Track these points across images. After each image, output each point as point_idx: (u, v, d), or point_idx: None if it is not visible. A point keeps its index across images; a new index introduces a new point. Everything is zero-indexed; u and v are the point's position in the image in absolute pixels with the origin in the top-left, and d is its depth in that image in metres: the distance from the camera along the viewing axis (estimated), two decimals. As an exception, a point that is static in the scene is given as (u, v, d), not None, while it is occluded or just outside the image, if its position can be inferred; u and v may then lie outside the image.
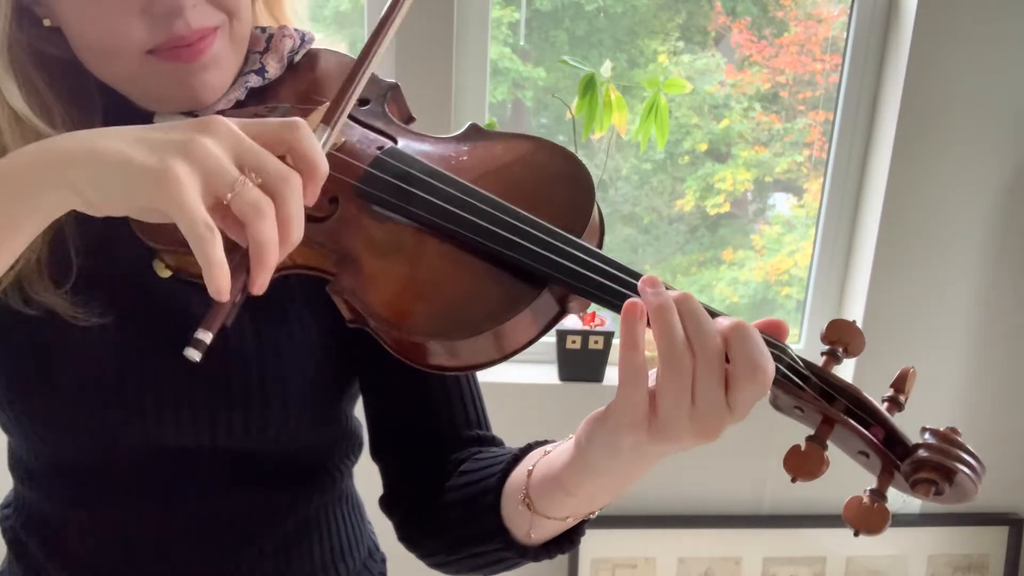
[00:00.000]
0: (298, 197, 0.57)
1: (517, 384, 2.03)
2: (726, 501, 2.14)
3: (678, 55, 2.28)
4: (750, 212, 2.47)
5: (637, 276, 0.61)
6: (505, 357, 0.64)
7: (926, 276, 2.06)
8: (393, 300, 0.65)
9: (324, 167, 0.59)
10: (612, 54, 2.20)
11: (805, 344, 2.22)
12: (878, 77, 2.02)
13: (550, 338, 1.99)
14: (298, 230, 0.57)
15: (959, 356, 2.13)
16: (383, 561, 1.00)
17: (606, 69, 1.88)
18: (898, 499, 0.61)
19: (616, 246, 2.39)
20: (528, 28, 2.18)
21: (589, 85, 1.84)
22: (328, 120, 0.65)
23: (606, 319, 2.01)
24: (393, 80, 0.85)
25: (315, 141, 0.59)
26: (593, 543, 2.12)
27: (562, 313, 0.66)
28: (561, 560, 2.14)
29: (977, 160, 1.99)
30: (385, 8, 0.71)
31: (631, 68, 2.26)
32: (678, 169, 2.35)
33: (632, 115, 1.96)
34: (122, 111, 0.76)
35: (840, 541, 2.18)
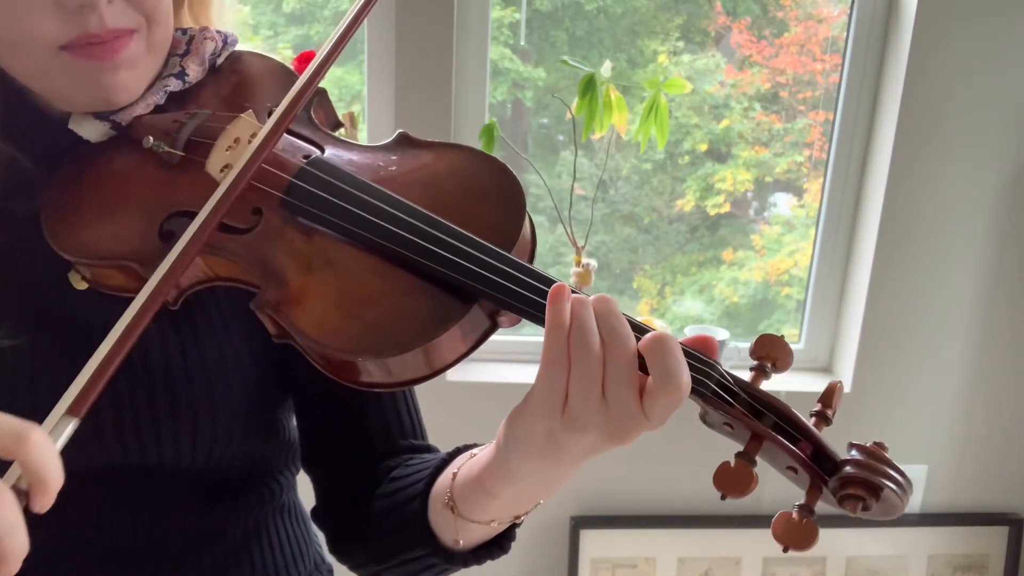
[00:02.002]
0: (11, 514, 0.50)
1: (516, 384, 2.03)
2: (726, 501, 2.13)
3: (678, 55, 2.28)
4: (750, 212, 2.47)
5: None
6: (436, 373, 0.64)
7: (926, 276, 2.06)
8: (320, 317, 0.63)
9: (56, 480, 0.52)
10: (612, 54, 2.20)
11: (804, 345, 2.22)
12: (878, 77, 2.02)
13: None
14: (17, 546, 0.50)
15: (959, 356, 2.13)
16: (330, 572, 0.98)
17: (606, 69, 1.88)
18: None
19: (616, 246, 2.39)
20: (528, 28, 2.18)
21: (589, 85, 1.84)
22: (75, 411, 0.56)
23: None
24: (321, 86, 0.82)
25: (47, 452, 0.52)
26: (593, 543, 2.13)
27: (493, 327, 0.65)
28: (561, 560, 2.14)
29: (977, 160, 1.99)
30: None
31: (631, 68, 2.26)
32: (678, 169, 2.35)
33: (632, 115, 1.96)
34: (19, 107, 0.74)
35: (840, 541, 2.18)
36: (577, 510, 2.14)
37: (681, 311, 2.43)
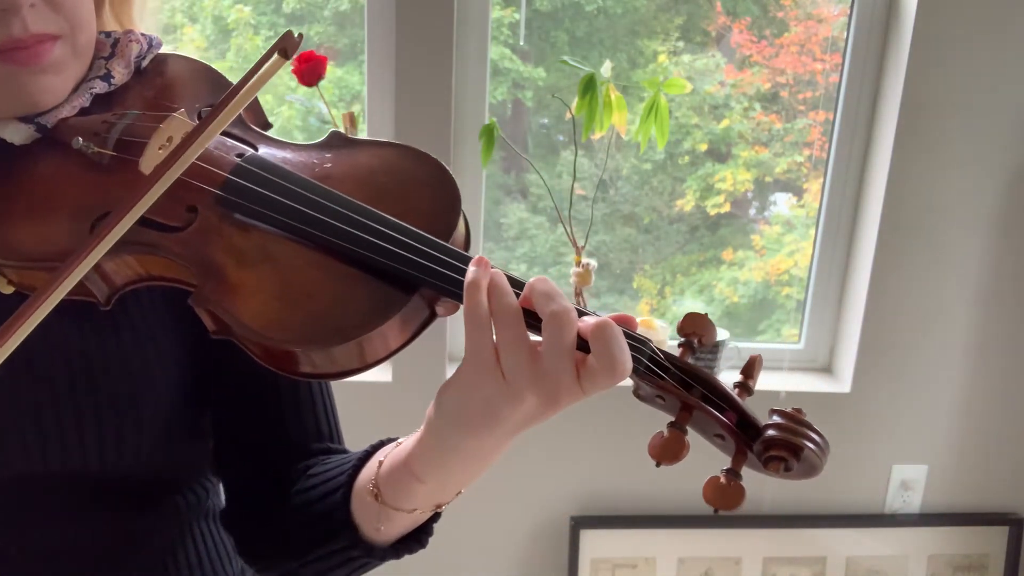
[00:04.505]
0: None
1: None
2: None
3: (678, 55, 2.28)
4: (750, 212, 2.47)
5: (508, 278, 0.64)
6: (376, 363, 0.65)
7: (926, 276, 2.06)
8: (261, 309, 0.64)
9: None
10: (612, 54, 2.20)
11: (804, 344, 2.22)
12: (878, 77, 2.02)
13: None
14: None
15: (959, 356, 2.13)
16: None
17: (606, 69, 1.88)
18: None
19: (616, 246, 2.39)
20: (528, 28, 2.18)
21: (589, 85, 1.84)
22: None
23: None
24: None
25: None
26: (593, 543, 2.13)
27: (432, 316, 0.67)
28: (561, 560, 2.14)
29: (977, 160, 1.99)
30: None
31: (631, 68, 2.26)
32: (678, 169, 2.35)
33: (632, 115, 1.96)
34: None
35: (840, 541, 2.18)
36: (577, 510, 2.14)
37: (681, 311, 2.43)
